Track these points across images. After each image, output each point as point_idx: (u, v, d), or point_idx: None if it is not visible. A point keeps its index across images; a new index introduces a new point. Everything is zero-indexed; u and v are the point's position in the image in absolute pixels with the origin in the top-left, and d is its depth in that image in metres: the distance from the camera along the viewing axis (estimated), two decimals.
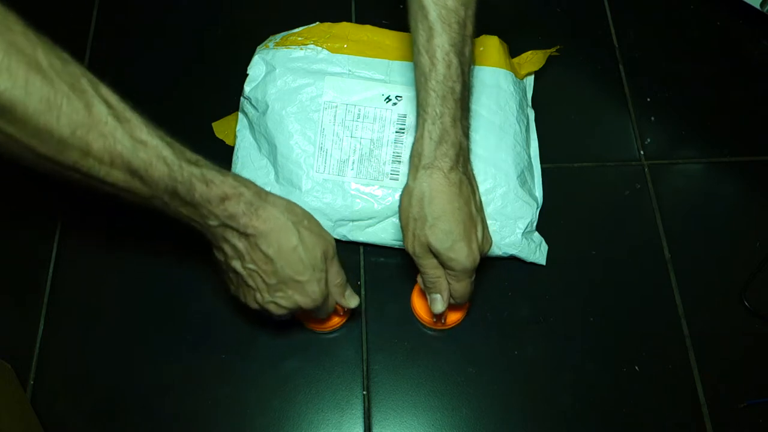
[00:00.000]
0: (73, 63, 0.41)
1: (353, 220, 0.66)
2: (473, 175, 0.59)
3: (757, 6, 0.78)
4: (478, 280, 0.58)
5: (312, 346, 0.64)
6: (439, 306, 0.58)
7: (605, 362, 0.64)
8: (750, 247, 0.70)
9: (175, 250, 0.68)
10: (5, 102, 0.37)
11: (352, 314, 0.64)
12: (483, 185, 0.65)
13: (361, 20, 0.77)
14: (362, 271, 0.68)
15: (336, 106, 0.66)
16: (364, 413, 0.62)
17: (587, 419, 0.62)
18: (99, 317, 0.65)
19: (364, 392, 0.63)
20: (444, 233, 0.54)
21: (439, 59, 0.53)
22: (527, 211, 0.67)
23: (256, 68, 0.69)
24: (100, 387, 0.63)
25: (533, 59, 0.76)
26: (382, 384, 0.63)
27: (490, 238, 0.58)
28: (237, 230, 0.50)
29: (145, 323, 0.65)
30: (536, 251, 0.67)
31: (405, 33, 0.71)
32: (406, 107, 0.66)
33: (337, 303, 0.58)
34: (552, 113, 0.75)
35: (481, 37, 0.71)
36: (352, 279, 0.63)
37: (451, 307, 0.61)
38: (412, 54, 0.69)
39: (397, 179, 0.66)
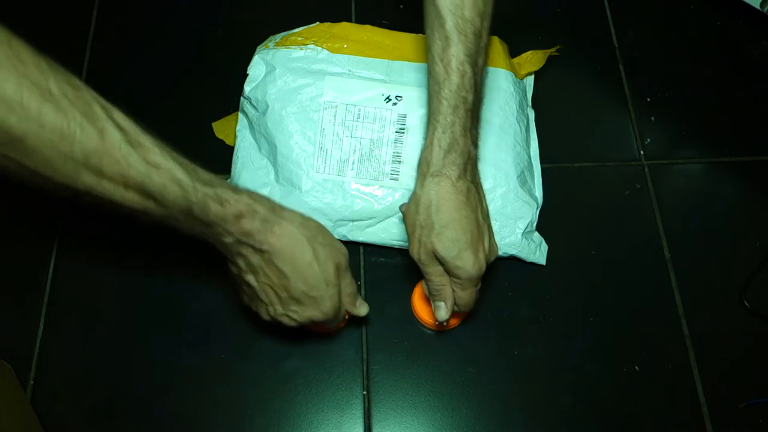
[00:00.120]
0: (85, 89, 0.41)
1: (353, 220, 0.66)
2: (481, 183, 0.59)
3: (757, 6, 0.78)
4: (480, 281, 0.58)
5: (312, 346, 0.64)
6: (443, 313, 0.58)
7: (605, 362, 0.64)
8: (750, 247, 0.70)
9: (175, 250, 0.68)
10: (19, 134, 0.38)
11: (354, 316, 0.64)
12: (483, 185, 0.64)
13: (361, 20, 0.77)
14: (362, 271, 0.68)
15: (336, 106, 0.66)
16: (364, 413, 0.62)
17: (587, 419, 0.62)
18: (99, 317, 0.65)
19: (364, 392, 0.63)
20: (451, 241, 0.54)
21: (453, 69, 0.53)
22: (527, 211, 0.67)
23: (256, 68, 0.69)
24: (100, 387, 0.63)
25: (533, 59, 0.76)
26: (382, 384, 0.63)
27: (496, 247, 0.58)
28: (252, 246, 0.50)
29: (145, 323, 0.65)
30: (536, 251, 0.67)
31: (405, 33, 0.71)
32: (406, 107, 0.66)
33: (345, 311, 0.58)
34: (552, 113, 0.75)
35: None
36: None
37: (453, 311, 0.61)
38: (413, 53, 0.69)
39: (397, 179, 0.66)
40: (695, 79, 0.79)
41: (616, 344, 0.65)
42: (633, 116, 0.77)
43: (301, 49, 0.69)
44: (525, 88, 0.75)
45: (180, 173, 0.45)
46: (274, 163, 0.67)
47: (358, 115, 0.66)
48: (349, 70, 0.68)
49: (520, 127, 0.69)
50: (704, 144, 0.76)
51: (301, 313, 0.54)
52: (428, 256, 0.55)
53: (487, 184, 0.65)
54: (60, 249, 0.68)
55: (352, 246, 0.68)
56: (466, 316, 0.65)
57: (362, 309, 0.59)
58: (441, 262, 0.55)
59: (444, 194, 0.54)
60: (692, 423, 0.62)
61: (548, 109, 0.75)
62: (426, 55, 0.68)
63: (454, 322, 0.64)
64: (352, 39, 0.70)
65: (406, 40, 0.70)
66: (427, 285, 0.58)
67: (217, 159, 0.71)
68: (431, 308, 0.60)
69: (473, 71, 0.54)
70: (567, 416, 0.62)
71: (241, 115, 0.70)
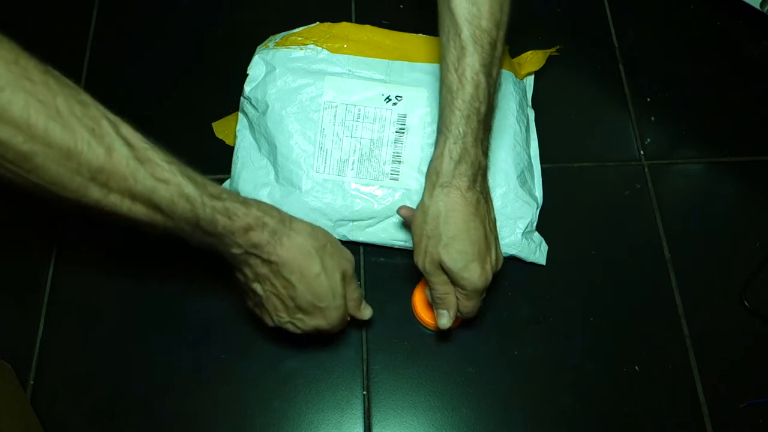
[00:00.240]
0: (93, 105, 0.42)
1: (353, 220, 0.66)
2: (489, 193, 0.59)
3: (757, 6, 0.78)
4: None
5: (312, 346, 0.64)
6: (446, 321, 0.58)
7: (605, 362, 0.64)
8: (750, 247, 0.70)
9: (175, 250, 0.67)
10: (26, 153, 0.38)
11: (354, 317, 0.64)
12: None
13: (361, 20, 0.77)
14: (362, 271, 0.68)
15: (336, 106, 0.66)
16: (364, 413, 0.62)
17: (587, 419, 0.62)
18: (99, 317, 0.65)
19: (364, 392, 0.63)
20: (459, 253, 0.54)
21: (468, 79, 0.53)
22: (527, 211, 0.67)
23: (256, 68, 0.69)
24: (100, 387, 0.63)
25: (533, 59, 0.76)
26: (382, 384, 0.63)
27: (502, 257, 0.58)
28: (260, 257, 0.50)
29: (145, 323, 0.65)
30: (536, 251, 0.67)
31: (405, 33, 0.71)
32: (406, 107, 0.66)
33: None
34: (552, 113, 0.75)
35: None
36: None
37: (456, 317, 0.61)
38: (413, 53, 0.69)
39: (397, 179, 0.66)
40: (695, 79, 0.79)
41: (616, 344, 0.65)
42: (633, 116, 0.77)
43: (301, 49, 0.69)
44: (525, 88, 0.75)
45: (188, 188, 0.45)
46: (274, 163, 0.67)
47: (358, 115, 0.66)
48: (349, 70, 0.68)
49: (520, 127, 0.69)
50: (704, 144, 0.76)
51: (306, 322, 0.54)
52: (434, 266, 0.55)
53: None
54: (60, 249, 0.68)
55: (352, 246, 0.68)
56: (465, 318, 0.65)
57: (366, 312, 0.59)
58: (447, 272, 0.55)
59: (453, 205, 0.53)
60: (692, 423, 0.62)
61: (548, 109, 0.75)
62: (426, 56, 0.69)
63: (454, 323, 0.64)
64: (352, 39, 0.70)
65: (406, 40, 0.70)
66: (431, 293, 0.58)
67: (217, 159, 0.71)
68: (432, 309, 0.60)
69: (487, 82, 0.53)
70: (567, 416, 0.62)
71: (241, 115, 0.70)
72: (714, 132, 0.76)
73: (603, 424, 0.62)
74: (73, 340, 0.64)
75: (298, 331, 0.56)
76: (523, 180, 0.68)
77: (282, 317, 0.54)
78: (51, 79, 0.39)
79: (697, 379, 0.64)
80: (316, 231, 0.53)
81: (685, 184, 0.74)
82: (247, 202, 0.49)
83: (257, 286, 0.53)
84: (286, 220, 0.52)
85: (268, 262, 0.51)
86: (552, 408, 0.62)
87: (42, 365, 0.63)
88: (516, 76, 0.72)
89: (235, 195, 0.49)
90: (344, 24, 0.71)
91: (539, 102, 0.75)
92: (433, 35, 0.70)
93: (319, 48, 0.69)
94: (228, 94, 0.73)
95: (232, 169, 0.68)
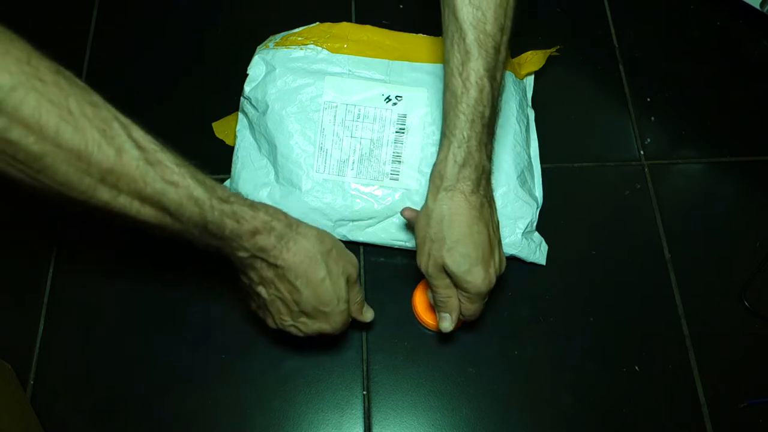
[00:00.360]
0: (104, 107, 0.42)
1: (353, 220, 0.66)
2: (493, 197, 0.59)
3: (757, 6, 0.78)
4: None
5: (312, 347, 0.64)
6: (448, 325, 0.58)
7: (605, 362, 0.64)
8: (750, 247, 0.70)
9: (176, 250, 0.67)
10: (36, 153, 0.38)
11: (356, 319, 0.64)
12: None
13: (361, 20, 0.77)
14: (362, 271, 0.68)
15: (336, 106, 0.66)
16: (364, 413, 0.62)
17: (587, 419, 0.62)
18: (99, 317, 0.65)
19: (364, 392, 0.63)
20: (462, 257, 0.54)
21: (472, 83, 0.52)
22: (527, 211, 0.67)
23: (256, 68, 0.69)
24: (100, 387, 0.63)
25: (533, 59, 0.76)
26: (382, 384, 0.63)
27: (505, 260, 0.58)
28: (266, 261, 0.51)
29: (145, 323, 0.65)
30: (536, 251, 0.67)
31: (405, 33, 0.71)
32: (406, 107, 0.66)
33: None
34: (552, 113, 0.75)
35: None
36: None
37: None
38: (413, 53, 0.69)
39: (397, 179, 0.66)
40: (695, 79, 0.79)
41: (616, 344, 0.65)
42: (633, 116, 0.77)
43: (301, 49, 0.69)
44: (525, 88, 0.75)
45: (197, 191, 0.45)
46: (274, 163, 0.67)
47: (358, 115, 0.66)
48: (349, 70, 0.68)
49: (520, 127, 0.69)
50: (704, 144, 0.76)
51: (310, 326, 0.55)
52: (437, 269, 0.55)
53: None
54: (60, 249, 0.68)
55: (352, 246, 0.68)
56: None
57: (368, 315, 0.60)
58: (450, 276, 0.55)
59: (457, 209, 0.53)
60: (692, 423, 0.62)
61: (548, 109, 0.75)
62: (426, 56, 0.69)
63: (455, 326, 0.64)
64: (352, 39, 0.70)
65: (406, 40, 0.70)
66: (434, 296, 0.58)
67: (217, 159, 0.71)
68: (432, 310, 0.60)
69: (491, 86, 0.53)
70: (567, 416, 0.62)
71: (241, 115, 0.70)
72: (714, 132, 0.76)
73: (603, 424, 0.62)
74: (73, 340, 0.64)
75: (301, 335, 0.56)
76: (523, 180, 0.68)
77: (285, 321, 0.55)
78: (62, 79, 0.39)
79: (697, 379, 0.64)
80: (322, 235, 0.53)
81: (685, 184, 0.74)
82: (254, 205, 0.50)
83: (262, 290, 0.53)
84: (293, 224, 0.52)
85: (273, 266, 0.51)
86: (552, 408, 0.62)
87: (42, 365, 0.63)
88: (516, 76, 0.72)
89: (243, 199, 0.49)
90: (344, 24, 0.71)
91: (539, 102, 0.75)
92: (433, 35, 0.70)
93: (319, 48, 0.69)
94: (228, 94, 0.73)
95: (232, 169, 0.68)
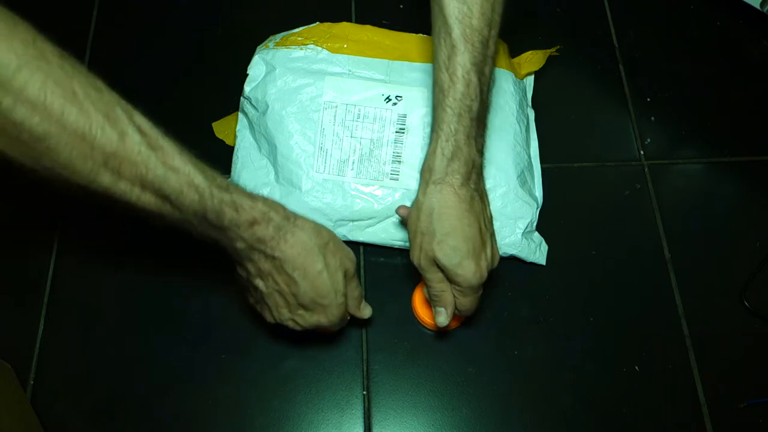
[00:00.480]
0: (107, 91, 0.42)
1: (353, 220, 0.66)
2: (485, 191, 0.59)
3: (757, 6, 0.78)
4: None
5: (312, 346, 0.64)
6: (443, 319, 0.58)
7: (605, 362, 0.64)
8: (750, 247, 0.70)
9: (176, 250, 0.68)
10: (40, 134, 0.38)
11: (354, 316, 0.64)
12: None
13: (361, 20, 0.77)
14: (362, 271, 0.68)
15: (336, 106, 0.66)
16: (364, 413, 0.62)
17: (587, 419, 0.62)
18: (99, 317, 0.65)
19: (364, 392, 0.63)
20: (452, 249, 0.54)
21: (459, 77, 0.53)
22: (527, 211, 0.67)
23: (256, 68, 0.69)
24: (100, 387, 0.63)
25: (533, 59, 0.76)
26: (382, 384, 0.63)
27: (498, 254, 0.58)
28: (264, 253, 0.51)
29: (145, 323, 0.65)
30: (536, 251, 0.67)
31: (405, 33, 0.71)
32: (406, 107, 0.66)
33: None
34: (552, 113, 0.75)
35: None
36: None
37: (454, 315, 0.61)
38: (413, 53, 0.69)
39: (397, 179, 0.66)
40: (695, 79, 0.79)
41: (616, 344, 0.65)
42: (633, 116, 0.77)
43: (301, 49, 0.69)
44: (525, 88, 0.75)
45: (198, 178, 0.45)
46: (274, 163, 0.67)
47: (358, 115, 0.66)
48: (349, 70, 0.68)
49: (520, 127, 0.69)
50: (704, 144, 0.76)
51: (307, 319, 0.54)
52: (429, 262, 0.55)
53: (487, 184, 0.65)
54: (60, 249, 0.68)
55: (352, 246, 0.68)
56: (466, 318, 0.65)
57: (366, 312, 0.59)
58: (442, 269, 0.55)
59: (446, 202, 0.54)
60: (692, 423, 0.62)
61: (548, 109, 0.75)
62: (426, 56, 0.69)
63: (454, 323, 0.64)
64: (352, 39, 0.70)
65: (406, 40, 0.70)
66: (428, 290, 0.58)
67: (217, 159, 0.70)
68: (432, 310, 0.60)
69: (479, 80, 0.53)
70: (567, 416, 0.62)
71: (241, 115, 0.70)
72: (714, 132, 0.76)
73: (603, 424, 0.62)
74: (73, 340, 0.64)
75: (299, 328, 0.55)
76: (523, 180, 0.68)
77: (283, 314, 0.54)
78: (67, 62, 0.39)
79: (697, 379, 0.64)
80: (319, 228, 0.53)
81: (685, 184, 0.74)
82: (253, 196, 0.50)
83: (259, 282, 0.53)
84: (290, 216, 0.52)
85: (271, 258, 0.51)
86: (552, 408, 0.62)
87: (42, 365, 0.63)
88: (516, 76, 0.72)
89: (242, 189, 0.50)
90: (344, 24, 0.71)
91: (539, 102, 0.75)
92: None
93: (319, 48, 0.69)
94: (228, 94, 0.73)
95: (232, 169, 0.68)
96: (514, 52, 0.75)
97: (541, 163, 0.72)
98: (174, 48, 0.80)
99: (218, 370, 0.63)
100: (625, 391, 0.63)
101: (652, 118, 0.77)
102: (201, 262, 0.66)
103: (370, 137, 0.66)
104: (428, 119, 0.66)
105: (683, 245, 0.70)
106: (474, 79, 0.53)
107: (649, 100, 0.78)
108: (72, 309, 0.66)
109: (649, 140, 0.75)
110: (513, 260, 0.67)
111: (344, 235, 0.66)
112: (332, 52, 0.69)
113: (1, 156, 0.40)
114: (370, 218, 0.66)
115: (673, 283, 0.68)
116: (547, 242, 0.68)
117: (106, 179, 0.42)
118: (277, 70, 0.67)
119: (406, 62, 0.69)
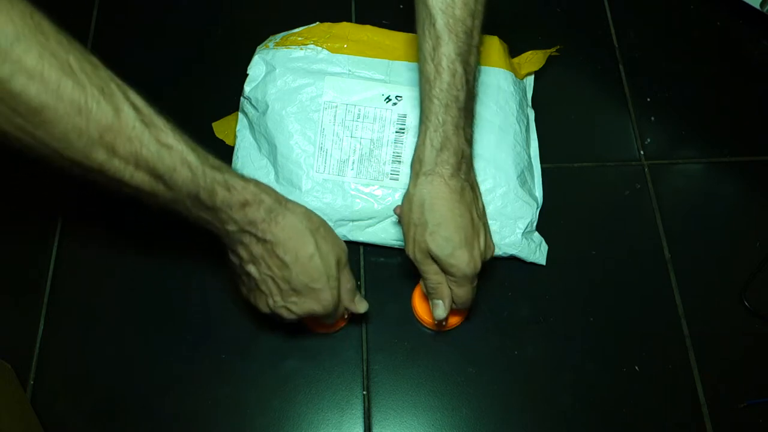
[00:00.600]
0: (103, 67, 0.42)
1: (353, 220, 0.66)
2: (476, 182, 0.59)
3: (757, 6, 0.78)
4: (478, 280, 0.58)
5: (312, 346, 0.64)
6: (441, 312, 0.58)
7: (605, 362, 0.64)
8: (750, 247, 0.70)
9: (175, 250, 0.68)
10: (37, 105, 0.38)
11: (354, 316, 0.64)
12: (483, 185, 0.65)
13: (361, 20, 0.77)
14: (362, 271, 0.68)
15: (336, 106, 0.66)
16: (364, 413, 0.62)
17: (587, 419, 0.62)
18: (99, 317, 0.65)
19: (364, 392, 0.63)
20: (444, 240, 0.54)
21: (444, 68, 0.53)
22: (527, 211, 0.67)
23: (256, 68, 0.69)
24: (100, 387, 0.62)
25: (533, 59, 0.76)
26: (382, 384, 0.63)
27: (493, 245, 0.58)
28: (255, 236, 0.50)
29: (145, 323, 0.65)
30: (536, 251, 0.67)
31: (405, 33, 0.71)
32: (406, 107, 0.66)
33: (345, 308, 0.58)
34: (552, 113, 0.75)
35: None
36: None
37: (454, 311, 0.61)
38: (413, 53, 0.69)
39: (397, 179, 0.66)
40: (695, 79, 0.79)
41: (616, 344, 0.65)
42: (633, 116, 0.77)
43: (301, 49, 0.69)
44: (525, 88, 0.75)
45: (191, 156, 0.45)
46: (274, 163, 0.67)
47: (358, 115, 0.66)
48: (349, 70, 0.68)
49: (520, 127, 0.69)
50: (704, 144, 0.76)
51: (300, 305, 0.54)
52: (423, 254, 0.56)
53: (487, 184, 0.65)
54: (60, 249, 0.68)
55: (352, 246, 0.68)
56: (466, 315, 0.65)
57: (361, 306, 0.59)
58: (435, 260, 0.55)
59: (437, 193, 0.54)
60: (692, 423, 0.62)
61: (548, 109, 0.75)
62: None
63: (454, 321, 0.64)
64: (352, 39, 0.70)
65: (406, 40, 0.70)
66: (424, 283, 0.59)
67: None
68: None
69: (464, 70, 0.54)
70: (567, 416, 0.62)
71: (241, 115, 0.70)
72: (714, 132, 0.76)
73: (603, 424, 0.62)
74: (73, 340, 0.64)
75: (293, 317, 0.55)
76: (523, 180, 0.68)
77: (277, 301, 0.54)
78: (63, 37, 0.40)
79: (697, 379, 0.64)
80: (310, 213, 0.54)
81: (685, 184, 0.74)
82: (245, 177, 0.50)
83: (252, 268, 0.53)
84: (281, 199, 0.52)
85: (263, 241, 0.51)
86: (552, 408, 0.62)
87: (42, 365, 0.63)
88: (516, 76, 0.72)
89: (234, 171, 0.50)
90: (344, 24, 0.71)
91: (539, 102, 0.75)
92: None
93: (319, 48, 0.69)
94: (228, 94, 0.73)
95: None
96: (514, 52, 0.75)
97: (541, 163, 0.72)
98: (174, 48, 0.80)
99: (218, 370, 0.63)
100: (625, 391, 0.63)
101: (652, 118, 0.77)
102: (201, 263, 0.66)
103: (370, 137, 0.66)
104: None
105: (683, 245, 0.70)
106: (459, 69, 0.53)
107: (649, 100, 0.78)
108: (72, 309, 0.66)
109: (649, 140, 0.75)
110: (513, 260, 0.67)
111: (344, 235, 0.66)
112: (332, 52, 0.69)
113: None
114: (370, 218, 0.66)
115: (673, 283, 0.68)
116: (547, 242, 0.68)
117: (100, 155, 0.41)
118: (277, 70, 0.67)
119: (406, 62, 0.69)
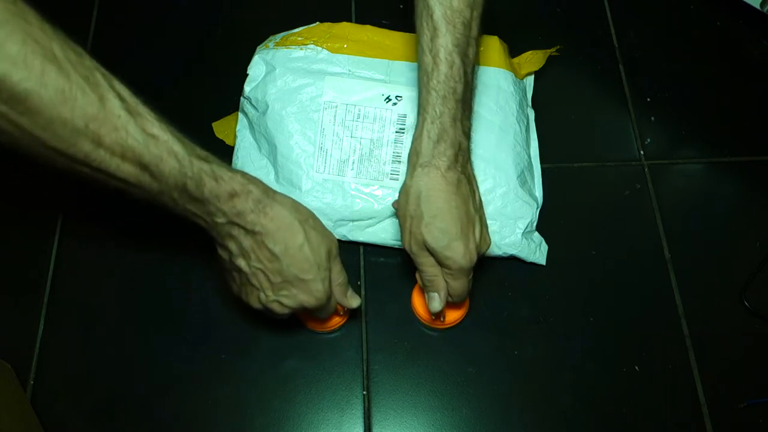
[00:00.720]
0: (88, 57, 0.42)
1: (353, 220, 0.66)
2: (473, 174, 0.59)
3: (757, 6, 0.78)
4: (478, 280, 0.58)
5: (312, 346, 0.64)
6: (436, 304, 0.58)
7: (605, 362, 0.64)
8: (750, 247, 0.70)
9: (175, 250, 0.68)
10: (21, 92, 0.38)
11: (352, 314, 0.64)
12: (483, 185, 0.65)
13: (361, 20, 0.77)
14: (362, 271, 0.68)
15: (336, 106, 0.66)
16: (364, 413, 0.62)
17: (587, 419, 0.62)
18: (99, 317, 0.65)
19: (364, 392, 0.63)
20: (440, 231, 0.54)
21: (441, 59, 0.53)
22: (527, 211, 0.67)
23: (256, 68, 0.69)
24: (100, 387, 0.63)
25: (533, 59, 0.76)
26: (382, 384, 0.63)
27: (489, 238, 0.58)
28: (244, 228, 0.50)
29: (145, 323, 0.65)
30: (536, 251, 0.67)
31: (405, 33, 0.71)
32: (406, 107, 0.66)
33: (338, 303, 0.58)
34: (552, 113, 0.75)
35: (481, 37, 0.71)
36: (352, 279, 0.63)
37: (451, 306, 0.61)
38: (413, 53, 0.69)
39: (397, 179, 0.66)
40: (695, 79, 0.79)
41: (616, 344, 0.65)
42: (633, 116, 0.77)
43: (301, 49, 0.69)
44: (525, 88, 0.75)
45: (177, 146, 0.45)
46: (274, 163, 0.67)
47: (358, 115, 0.66)
48: (349, 70, 0.68)
49: (520, 127, 0.69)
50: (704, 144, 0.76)
51: (292, 298, 0.54)
52: (419, 246, 0.56)
53: (487, 184, 0.65)
54: (60, 248, 0.68)
55: (352, 246, 0.68)
56: (465, 314, 0.65)
57: (354, 301, 0.59)
58: (431, 252, 0.55)
59: (433, 185, 0.54)
60: (692, 423, 0.62)
61: (548, 109, 0.75)
62: None
63: (454, 318, 0.64)
64: (352, 39, 0.70)
65: (406, 40, 0.70)
66: (420, 277, 0.58)
67: None
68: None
69: (462, 61, 0.53)
70: (567, 416, 0.62)
71: (241, 115, 0.70)
72: (714, 132, 0.76)
73: (603, 424, 0.62)
74: (73, 340, 0.64)
75: (286, 311, 0.55)
76: (523, 180, 0.68)
77: (268, 296, 0.54)
78: (47, 25, 0.39)
79: (697, 379, 0.64)
80: (298, 205, 0.53)
81: (685, 184, 0.74)
82: (232, 169, 0.49)
83: (242, 262, 0.52)
84: (269, 191, 0.51)
85: (252, 233, 0.50)
86: (552, 408, 0.62)
87: (42, 365, 0.63)
88: (516, 76, 0.72)
89: (221, 161, 0.49)
90: (344, 24, 0.71)
91: (539, 102, 0.75)
92: None
93: (319, 48, 0.69)
94: (228, 94, 0.73)
95: None
96: (514, 52, 0.75)
97: (541, 163, 0.72)
98: (174, 48, 0.80)
99: (218, 370, 0.63)
100: (625, 391, 0.63)
101: (652, 118, 0.77)
102: (202, 263, 0.66)
103: (370, 137, 0.66)
104: None
105: (683, 245, 0.70)
106: (457, 60, 0.53)
107: (649, 100, 0.78)
108: (72, 309, 0.66)
109: (649, 140, 0.75)
110: (513, 260, 0.67)
111: (344, 235, 0.67)
112: (332, 52, 0.69)
113: None
114: (370, 218, 0.66)
115: (673, 283, 0.68)
116: (547, 242, 0.68)
117: (86, 145, 0.41)
118: (277, 70, 0.67)
119: (406, 62, 0.69)
